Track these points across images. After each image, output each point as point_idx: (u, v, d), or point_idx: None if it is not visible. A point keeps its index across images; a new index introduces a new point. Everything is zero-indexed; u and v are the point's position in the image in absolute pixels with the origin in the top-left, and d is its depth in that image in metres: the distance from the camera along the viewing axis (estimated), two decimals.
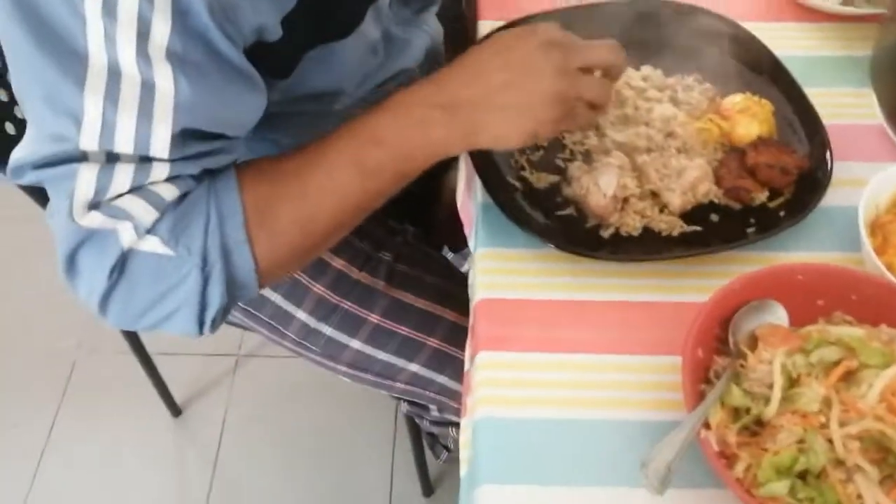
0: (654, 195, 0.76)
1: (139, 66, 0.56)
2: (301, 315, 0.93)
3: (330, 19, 0.70)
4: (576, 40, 0.66)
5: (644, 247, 0.74)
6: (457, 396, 0.95)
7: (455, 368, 0.93)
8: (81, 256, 0.61)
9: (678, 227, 0.75)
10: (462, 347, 0.89)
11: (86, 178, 0.59)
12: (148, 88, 0.57)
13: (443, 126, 0.64)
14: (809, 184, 0.76)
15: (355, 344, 0.93)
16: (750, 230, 0.74)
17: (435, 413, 1.03)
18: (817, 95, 0.84)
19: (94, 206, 0.59)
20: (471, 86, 0.63)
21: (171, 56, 0.56)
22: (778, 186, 0.76)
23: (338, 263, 0.92)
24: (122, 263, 0.61)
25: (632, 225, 0.74)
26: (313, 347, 0.95)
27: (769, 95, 0.81)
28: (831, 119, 0.82)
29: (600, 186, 0.73)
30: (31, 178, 0.61)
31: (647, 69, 0.85)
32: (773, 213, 0.75)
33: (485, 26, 0.93)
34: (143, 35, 0.55)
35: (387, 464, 1.49)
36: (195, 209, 0.62)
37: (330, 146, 0.65)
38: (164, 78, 0.57)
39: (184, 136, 0.60)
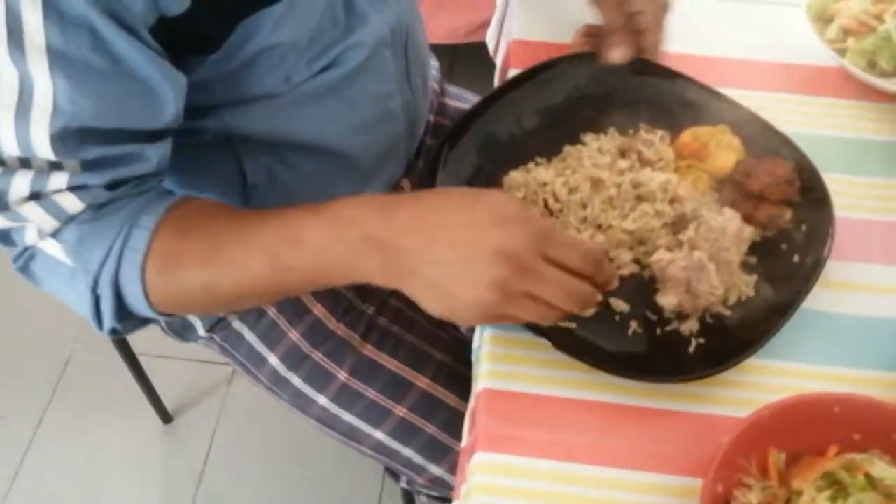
0: None
1: (14, 61, 0.53)
2: (272, 360, 0.89)
3: None
4: (545, 245, 0.56)
5: (669, 352, 0.68)
6: (424, 472, 0.90)
7: (422, 443, 0.88)
8: None
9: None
10: (431, 420, 0.87)
11: None
12: (25, 85, 0.54)
13: (370, 260, 0.57)
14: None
15: (322, 400, 0.88)
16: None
17: (404, 483, 0.98)
18: (863, 185, 0.79)
19: None
20: (413, 238, 0.56)
21: (50, 51, 0.53)
22: (791, 197, 0.74)
23: (318, 310, 0.88)
24: (27, 256, 0.63)
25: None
26: (283, 395, 0.91)
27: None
28: (877, 214, 0.77)
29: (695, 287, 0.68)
30: None
31: (591, 136, 0.80)
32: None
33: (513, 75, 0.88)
34: (13, 28, 0.51)
35: (374, 498, 1.45)
36: (105, 231, 0.61)
37: (253, 226, 0.60)
38: (40, 75, 0.53)
39: (71, 138, 0.57)
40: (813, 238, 0.72)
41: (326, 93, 0.74)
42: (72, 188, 0.60)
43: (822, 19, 0.88)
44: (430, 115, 1.00)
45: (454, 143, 0.78)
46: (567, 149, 0.79)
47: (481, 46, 1.17)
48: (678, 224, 0.72)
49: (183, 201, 0.64)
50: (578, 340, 0.68)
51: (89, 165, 0.59)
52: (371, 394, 0.87)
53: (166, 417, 1.53)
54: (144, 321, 0.68)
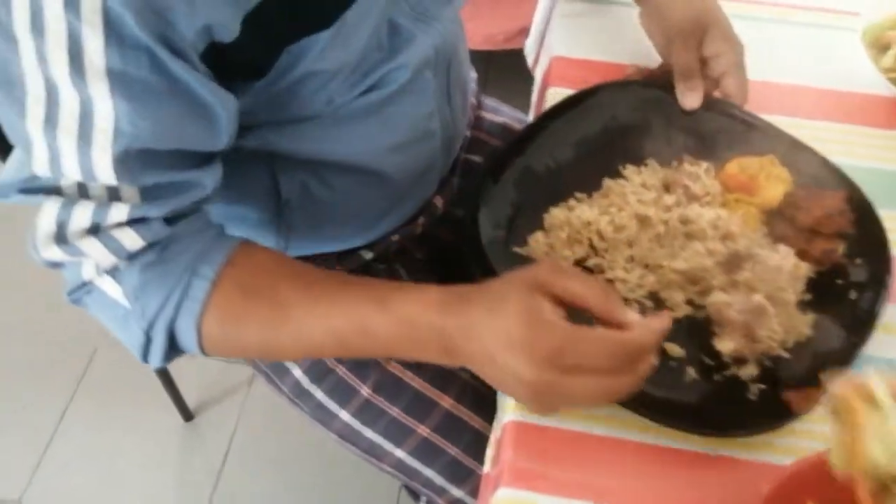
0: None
1: (75, 84, 0.53)
2: (296, 372, 0.88)
3: (307, 8, 0.63)
4: (578, 363, 0.53)
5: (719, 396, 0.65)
6: (444, 494, 0.88)
7: (444, 464, 0.86)
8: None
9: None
10: (454, 441, 0.85)
11: (49, 210, 0.59)
12: (86, 109, 0.54)
13: (437, 356, 0.59)
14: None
15: (344, 415, 0.87)
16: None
17: (423, 501, 0.97)
18: None
19: (58, 239, 0.59)
20: (463, 349, 0.57)
21: (110, 73, 0.53)
22: (844, 229, 0.72)
23: None
24: (83, 291, 0.64)
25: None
26: (305, 408, 0.90)
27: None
28: None
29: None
30: (15, 199, 0.60)
31: (632, 169, 0.77)
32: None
33: (553, 94, 0.86)
34: (74, 51, 0.52)
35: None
36: (166, 279, 0.61)
37: (322, 305, 0.61)
38: (100, 97, 0.54)
39: (132, 161, 0.57)
40: (869, 273, 0.70)
41: (366, 113, 0.73)
42: (131, 222, 0.60)
43: (878, 46, 0.85)
44: (467, 130, 0.98)
45: (496, 179, 0.76)
46: (608, 183, 0.76)
47: (518, 53, 1.15)
48: (732, 263, 0.69)
49: (243, 251, 0.64)
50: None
51: (148, 194, 0.60)
52: (394, 411, 0.86)
53: (187, 415, 1.54)
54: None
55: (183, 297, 0.61)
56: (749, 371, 0.66)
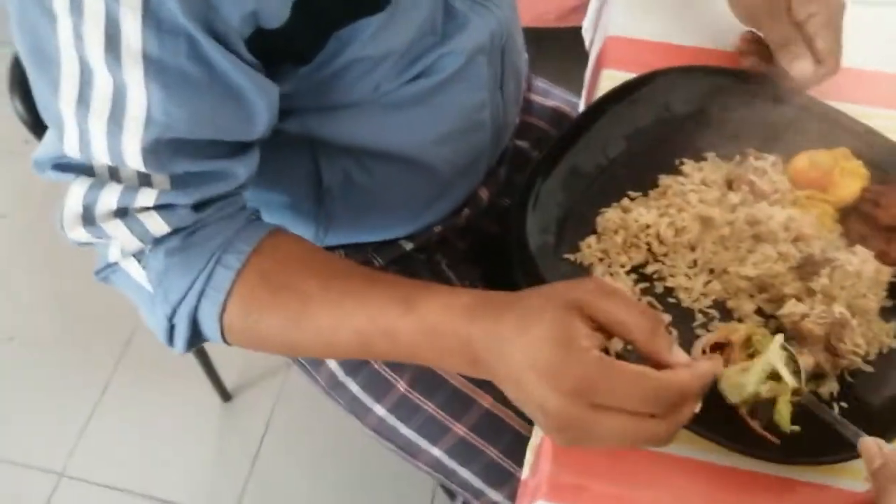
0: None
1: (109, 67, 0.52)
2: (331, 363, 0.86)
3: None
4: (610, 394, 0.47)
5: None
6: (482, 496, 0.84)
7: (482, 465, 0.82)
8: None
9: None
10: (492, 442, 0.81)
11: (76, 191, 0.58)
12: (119, 93, 0.53)
13: (458, 366, 0.55)
14: None
15: (379, 410, 0.85)
16: None
17: (459, 502, 0.94)
18: None
19: (84, 220, 0.59)
20: (487, 364, 0.52)
21: (146, 59, 0.52)
22: None
23: None
24: (109, 271, 0.62)
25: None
26: (340, 401, 0.88)
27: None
28: None
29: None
30: (49, 175, 0.60)
31: (691, 165, 0.71)
32: None
33: (607, 76, 0.80)
34: (111, 33, 0.51)
35: (426, 498, 1.41)
36: (191, 265, 0.59)
37: (347, 304, 0.58)
38: (134, 82, 0.52)
39: (163, 150, 0.56)
40: None
41: (414, 102, 0.70)
42: (158, 207, 0.58)
43: None
44: (517, 117, 0.93)
45: (543, 178, 0.71)
46: (664, 180, 0.71)
47: (569, 32, 1.09)
48: (806, 268, 0.63)
49: (271, 241, 0.61)
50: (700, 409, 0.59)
51: (178, 182, 0.58)
52: (430, 407, 0.83)
53: (226, 395, 1.53)
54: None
55: (206, 285, 0.59)
56: (829, 388, 0.61)
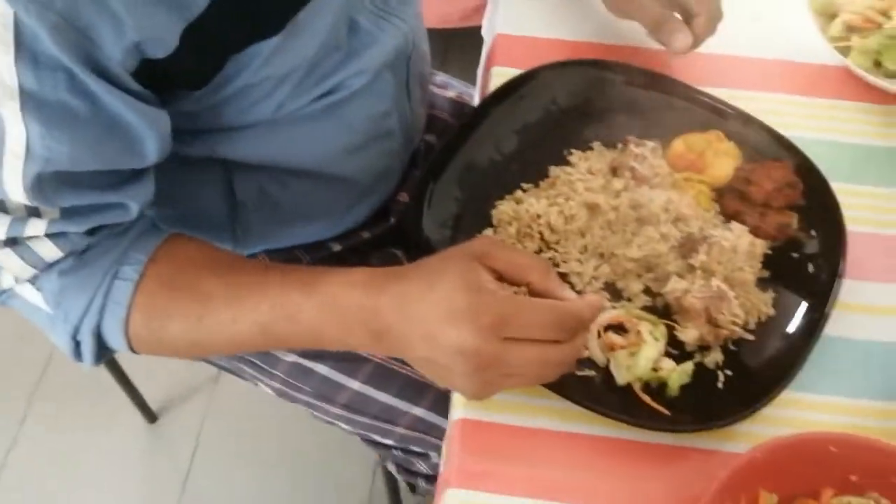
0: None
1: None
2: (290, 357, 0.85)
3: (254, 14, 0.58)
4: (516, 315, 0.51)
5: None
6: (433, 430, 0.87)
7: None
8: None
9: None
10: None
11: None
12: None
13: (362, 340, 0.56)
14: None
15: (353, 384, 0.85)
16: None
17: (435, 460, 0.94)
18: (867, 195, 0.74)
19: None
20: (394, 330, 0.54)
21: (23, 93, 0.50)
22: (796, 202, 0.71)
23: None
24: (4, 297, 0.62)
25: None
26: (304, 388, 0.87)
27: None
28: (882, 227, 0.73)
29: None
30: None
31: (577, 155, 0.74)
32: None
33: (497, 73, 0.83)
34: None
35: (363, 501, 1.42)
36: (88, 282, 0.59)
37: (247, 294, 0.58)
38: (11, 117, 0.51)
39: (47, 184, 0.54)
40: (825, 245, 0.69)
41: (321, 117, 0.70)
42: (50, 235, 0.57)
43: (826, 15, 0.83)
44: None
45: (437, 178, 0.73)
46: (554, 171, 0.73)
47: (474, 31, 1.11)
48: (686, 246, 0.67)
49: (166, 247, 0.61)
50: (592, 388, 0.63)
51: (67, 213, 0.57)
52: (407, 370, 0.84)
53: (151, 416, 1.50)
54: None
55: (106, 300, 0.59)
56: (714, 358, 0.64)
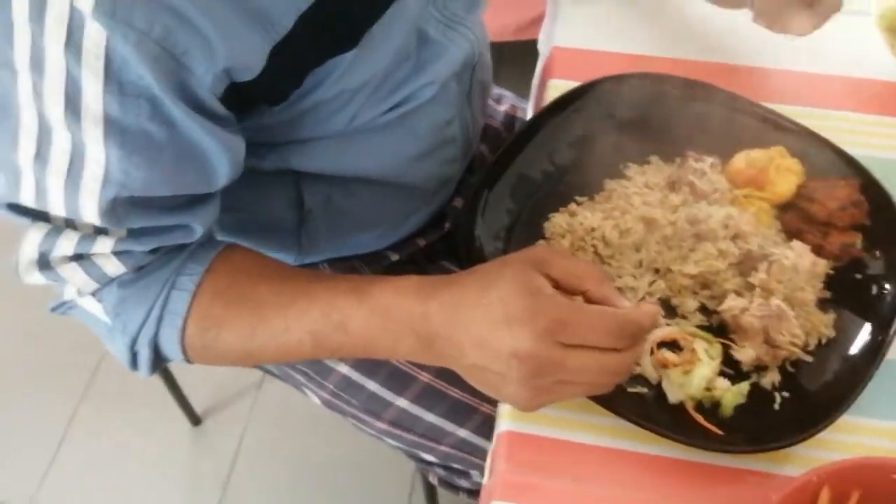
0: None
1: (68, 126, 0.52)
2: (342, 368, 0.86)
3: (334, 29, 0.60)
4: (576, 331, 0.50)
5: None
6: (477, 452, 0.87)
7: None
8: None
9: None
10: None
11: (32, 238, 0.58)
12: (78, 152, 0.53)
13: (411, 349, 0.56)
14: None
15: (401, 402, 0.86)
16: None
17: (477, 479, 0.95)
18: None
19: (40, 266, 0.59)
20: (445, 337, 0.53)
21: (107, 120, 0.51)
22: (860, 222, 0.69)
23: None
24: (65, 308, 0.64)
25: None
26: (353, 401, 0.88)
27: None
28: None
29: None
30: (2, 213, 0.59)
31: (634, 169, 0.74)
32: None
33: (554, 85, 0.82)
34: (72, 93, 0.51)
35: None
36: (146, 293, 0.60)
37: (299, 303, 0.58)
38: (93, 143, 0.52)
39: (120, 207, 0.56)
40: (889, 266, 0.67)
41: (390, 127, 0.71)
42: (116, 253, 0.59)
43: (895, 30, 0.81)
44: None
45: (491, 188, 0.72)
46: (609, 184, 0.73)
47: (529, 44, 1.11)
48: (745, 264, 0.66)
49: (222, 257, 0.62)
50: (643, 405, 0.61)
51: (135, 233, 0.59)
52: (456, 393, 0.84)
53: (195, 419, 1.52)
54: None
55: (164, 311, 0.60)
56: (771, 379, 0.62)
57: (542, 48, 1.01)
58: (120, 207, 0.56)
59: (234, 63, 0.54)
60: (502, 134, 0.99)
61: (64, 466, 1.49)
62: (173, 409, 1.49)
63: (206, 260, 0.61)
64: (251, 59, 0.55)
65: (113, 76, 0.50)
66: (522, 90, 1.07)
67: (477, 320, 0.51)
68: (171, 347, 0.61)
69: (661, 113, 0.76)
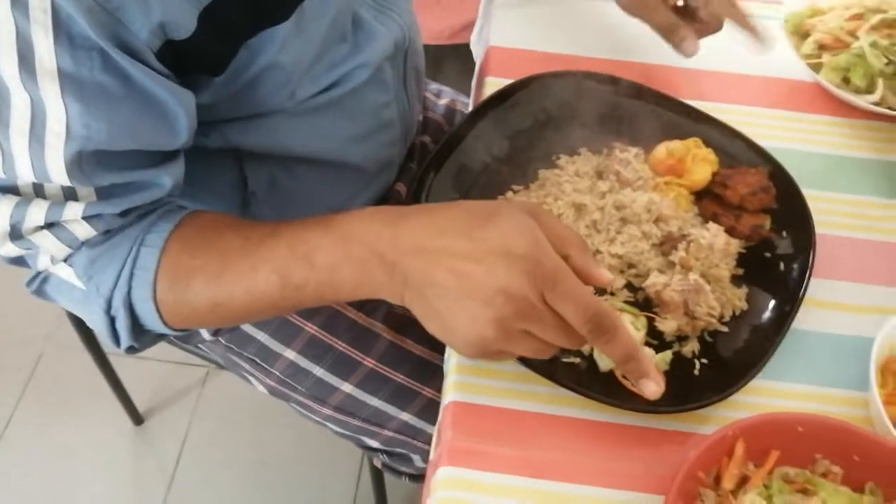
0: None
1: (25, 86, 0.52)
2: (289, 354, 0.88)
3: (264, 1, 0.61)
4: (560, 281, 0.50)
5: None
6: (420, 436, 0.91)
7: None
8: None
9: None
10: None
11: (2, 211, 0.58)
12: (38, 110, 0.54)
13: (377, 278, 0.54)
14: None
15: (346, 387, 0.88)
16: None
17: (419, 463, 0.98)
18: (837, 202, 0.79)
19: (12, 237, 0.60)
20: (417, 260, 0.52)
21: (62, 74, 0.52)
22: (769, 205, 0.75)
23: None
24: (41, 279, 0.65)
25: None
26: (299, 387, 0.90)
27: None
28: (850, 231, 0.77)
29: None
30: None
31: (565, 159, 0.79)
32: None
33: (491, 82, 0.87)
34: (24, 51, 0.51)
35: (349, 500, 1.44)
36: (116, 253, 0.61)
37: (261, 243, 0.58)
38: (52, 99, 0.53)
39: (86, 162, 0.57)
40: (795, 245, 0.73)
41: (329, 107, 0.74)
42: (86, 217, 0.59)
43: (799, 34, 0.89)
44: (419, 115, 0.99)
45: (434, 176, 0.77)
46: (543, 174, 0.78)
47: (465, 48, 1.16)
48: (666, 244, 0.72)
49: (191, 215, 0.63)
50: (577, 373, 0.66)
51: (104, 193, 0.59)
52: (399, 377, 0.87)
53: (137, 419, 1.52)
54: (160, 336, 0.68)
55: (134, 267, 0.60)
56: (691, 347, 0.68)
57: (475, 49, 1.06)
58: (86, 163, 0.56)
59: (167, 18, 0.55)
60: (443, 126, 1.03)
61: (2, 468, 1.46)
62: (114, 410, 1.48)
63: (176, 218, 0.62)
64: (182, 18, 0.56)
65: (61, 29, 0.51)
66: (461, 87, 1.12)
67: (465, 250, 0.50)
68: (146, 308, 0.61)
69: (590, 107, 0.81)
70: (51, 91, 0.53)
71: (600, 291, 0.71)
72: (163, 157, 0.62)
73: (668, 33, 0.82)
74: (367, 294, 0.56)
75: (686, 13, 0.82)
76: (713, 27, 0.82)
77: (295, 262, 0.56)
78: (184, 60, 0.59)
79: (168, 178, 0.62)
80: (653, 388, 0.55)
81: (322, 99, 0.73)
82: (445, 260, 0.51)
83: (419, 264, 0.52)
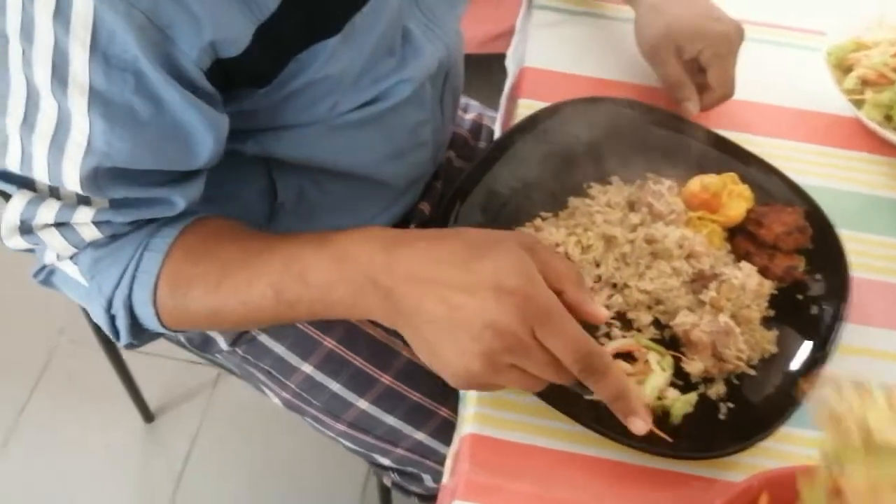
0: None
1: (55, 94, 0.53)
2: (306, 368, 0.88)
3: (319, 14, 0.61)
4: (548, 319, 0.50)
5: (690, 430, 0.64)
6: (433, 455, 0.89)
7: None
8: None
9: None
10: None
11: (15, 205, 0.59)
12: (63, 119, 0.54)
13: (370, 302, 0.54)
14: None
15: (362, 404, 0.87)
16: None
17: (430, 483, 0.97)
18: (871, 243, 0.77)
19: (21, 231, 0.61)
20: (411, 288, 0.51)
21: (92, 91, 0.53)
22: (804, 245, 0.73)
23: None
24: (46, 272, 0.66)
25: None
26: (314, 402, 0.90)
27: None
28: (884, 275, 0.75)
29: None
30: None
31: (597, 188, 0.78)
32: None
33: (524, 104, 0.86)
34: (59, 62, 0.52)
35: None
36: (120, 254, 0.61)
37: (260, 256, 0.58)
38: (78, 112, 0.54)
39: (102, 177, 0.57)
40: (829, 288, 0.71)
41: (368, 122, 0.73)
42: (95, 222, 0.60)
43: (842, 68, 0.87)
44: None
45: (462, 201, 0.75)
46: (573, 202, 0.76)
47: (492, 58, 1.15)
48: (697, 282, 0.70)
49: (197, 222, 0.63)
50: (599, 412, 0.63)
51: (117, 204, 0.60)
52: (416, 396, 0.86)
53: (148, 416, 1.52)
54: (160, 334, 0.68)
55: (136, 271, 0.61)
56: (717, 390, 0.67)
57: (510, 65, 1.05)
58: (102, 177, 0.57)
59: (218, 37, 0.54)
60: (469, 141, 1.02)
61: (12, 459, 1.47)
62: (125, 407, 1.48)
63: (181, 224, 0.62)
64: (236, 35, 0.56)
65: (98, 47, 0.51)
66: (486, 100, 1.11)
67: (458, 281, 0.50)
68: (145, 310, 0.62)
69: (624, 136, 0.80)
70: (79, 104, 0.53)
71: (626, 327, 0.69)
72: (180, 176, 0.62)
73: (673, 89, 0.82)
74: (362, 315, 0.55)
75: (699, 70, 0.82)
76: (720, 94, 0.82)
77: (289, 278, 0.56)
78: (231, 75, 0.59)
79: (181, 198, 0.62)
80: (640, 425, 0.55)
81: (363, 113, 0.72)
82: (438, 290, 0.50)
83: (412, 292, 0.51)
